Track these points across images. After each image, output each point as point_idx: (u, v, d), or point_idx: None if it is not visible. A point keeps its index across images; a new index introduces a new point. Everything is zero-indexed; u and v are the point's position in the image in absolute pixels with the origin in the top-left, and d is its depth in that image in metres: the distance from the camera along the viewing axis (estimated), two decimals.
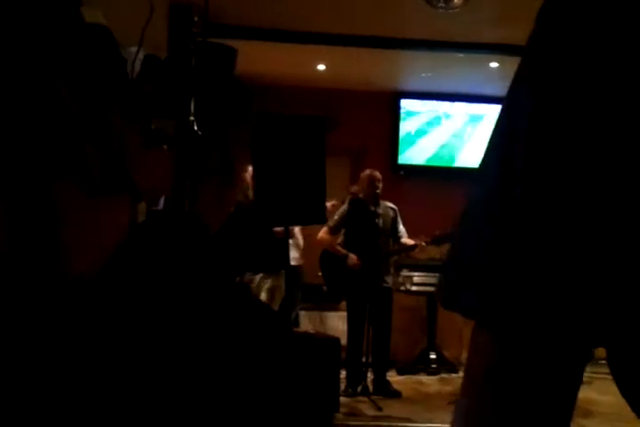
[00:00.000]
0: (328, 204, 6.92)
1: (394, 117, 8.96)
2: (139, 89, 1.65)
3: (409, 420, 5.35)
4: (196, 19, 2.94)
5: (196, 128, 2.83)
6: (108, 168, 1.37)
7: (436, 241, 6.40)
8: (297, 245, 7.41)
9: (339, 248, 6.47)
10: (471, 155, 8.97)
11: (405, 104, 8.98)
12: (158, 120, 2.58)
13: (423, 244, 6.41)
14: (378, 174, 6.46)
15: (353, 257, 6.32)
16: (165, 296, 2.54)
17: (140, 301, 2.18)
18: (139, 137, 1.47)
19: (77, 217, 1.27)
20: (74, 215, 1.26)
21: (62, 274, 1.24)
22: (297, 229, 7.40)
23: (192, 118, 2.84)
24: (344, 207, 6.54)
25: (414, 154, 9.02)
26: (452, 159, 9.03)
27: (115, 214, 1.36)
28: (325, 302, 7.85)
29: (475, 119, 9.08)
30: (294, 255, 7.32)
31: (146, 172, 1.45)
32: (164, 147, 1.62)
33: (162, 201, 2.84)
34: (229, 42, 3.70)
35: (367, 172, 6.58)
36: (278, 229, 5.83)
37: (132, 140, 1.44)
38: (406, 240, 6.57)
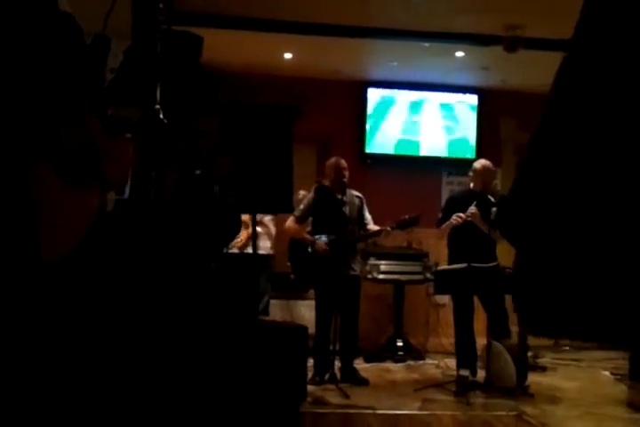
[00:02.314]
0: (301, 193, 6.94)
1: (361, 106, 8.96)
2: (96, 75, 1.64)
3: (376, 407, 5.39)
4: (161, 6, 2.91)
5: (161, 116, 2.82)
6: (79, 156, 1.36)
7: (401, 225, 6.42)
8: (267, 234, 7.39)
9: (306, 235, 6.47)
10: (437, 144, 9.01)
11: (372, 93, 8.98)
12: (118, 108, 2.56)
13: (388, 228, 6.42)
14: (343, 162, 6.46)
15: (320, 242, 6.32)
16: (131, 286, 2.54)
17: (107, 290, 2.17)
18: (100, 125, 1.46)
19: (52, 204, 1.27)
20: (49, 202, 1.26)
21: (35, 260, 1.23)
22: (268, 218, 7.38)
23: (158, 107, 2.82)
24: (310, 196, 6.54)
25: (381, 143, 9.03)
26: (418, 148, 9.04)
27: (86, 203, 1.35)
28: (293, 291, 7.86)
29: (442, 108, 9.10)
30: (265, 244, 7.30)
31: (112, 160, 1.44)
32: (128, 135, 1.61)
33: (127, 190, 2.82)
34: (195, 30, 3.67)
35: (333, 160, 6.58)
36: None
37: (95, 128, 1.43)
38: (372, 227, 6.58)
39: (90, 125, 1.40)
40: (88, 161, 1.36)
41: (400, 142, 8.98)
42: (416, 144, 9.02)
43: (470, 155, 8.81)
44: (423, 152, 9.01)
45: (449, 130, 9.07)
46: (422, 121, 9.04)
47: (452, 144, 9.05)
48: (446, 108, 9.07)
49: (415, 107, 9.04)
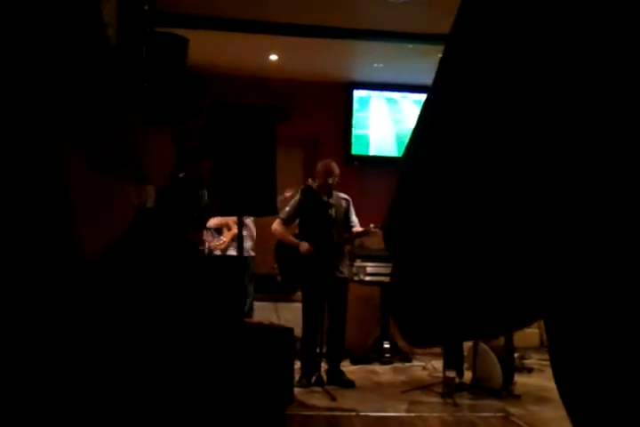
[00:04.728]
0: (287, 194, 6.91)
1: (347, 108, 8.96)
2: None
3: (362, 409, 5.38)
4: (146, 8, 2.91)
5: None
6: (119, 143, 1.35)
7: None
8: (250, 236, 7.38)
9: (291, 238, 6.46)
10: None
11: (358, 94, 8.99)
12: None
13: (372, 226, 6.37)
14: (334, 165, 6.46)
15: (304, 244, 6.32)
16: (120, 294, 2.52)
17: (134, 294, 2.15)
18: (137, 115, 1.44)
19: (88, 197, 1.25)
20: (85, 195, 1.24)
21: (74, 254, 1.22)
22: (249, 219, 7.37)
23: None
24: (296, 198, 6.53)
25: (366, 144, 9.04)
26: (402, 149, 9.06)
27: (123, 195, 1.33)
28: (279, 293, 7.85)
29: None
30: (247, 245, 7.30)
31: (149, 151, 1.42)
32: (167, 127, 1.60)
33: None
34: (181, 31, 3.66)
35: (323, 162, 6.56)
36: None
37: (134, 121, 1.41)
38: (357, 228, 6.57)
39: (130, 117, 1.38)
40: (125, 151, 1.34)
41: (387, 144, 9.00)
42: (401, 146, 9.03)
43: None
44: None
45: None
46: (408, 123, 9.05)
47: None
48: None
49: (402, 108, 9.05)
